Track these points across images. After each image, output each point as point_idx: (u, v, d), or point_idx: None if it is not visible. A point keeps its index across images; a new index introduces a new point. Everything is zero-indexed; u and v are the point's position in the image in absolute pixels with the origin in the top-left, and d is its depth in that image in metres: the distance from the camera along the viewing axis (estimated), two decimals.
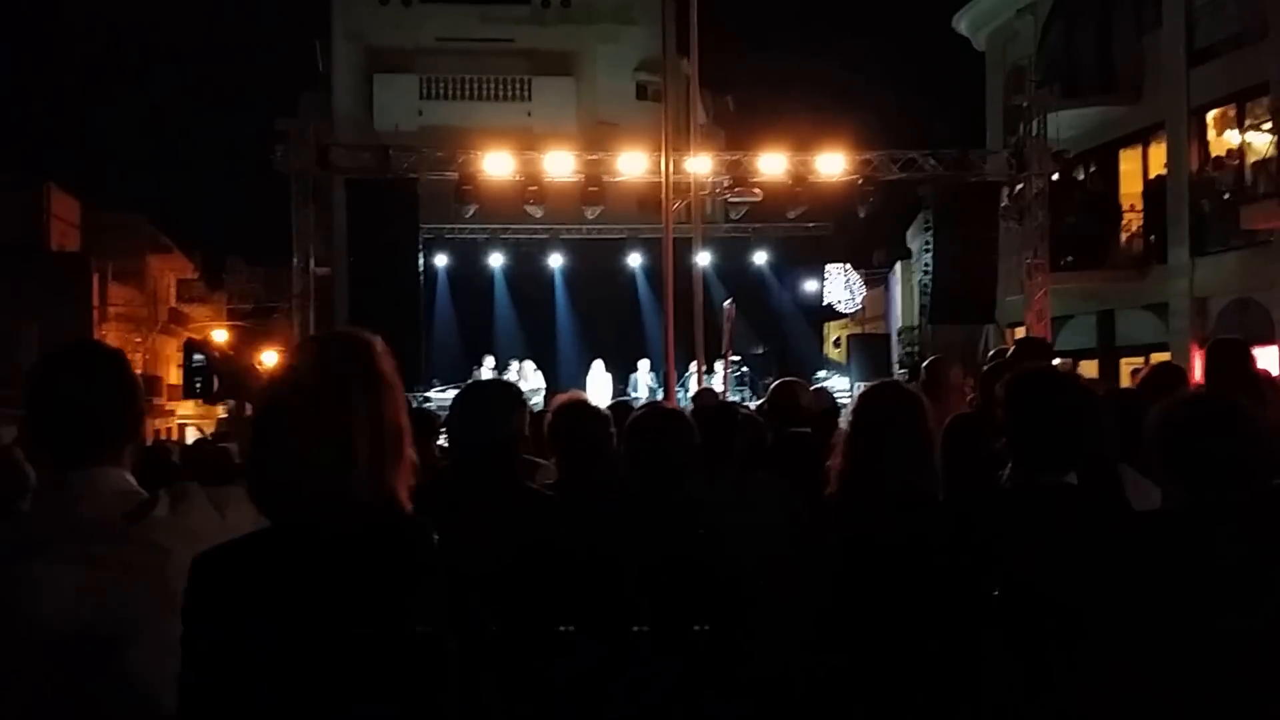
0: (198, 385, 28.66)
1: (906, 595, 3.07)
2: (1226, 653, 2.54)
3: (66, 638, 2.17)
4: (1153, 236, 19.67)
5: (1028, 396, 3.07)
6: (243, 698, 1.92)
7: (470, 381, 3.78)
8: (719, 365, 18.95)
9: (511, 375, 20.27)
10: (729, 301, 19.27)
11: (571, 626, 3.17)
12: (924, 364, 6.06)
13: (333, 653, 1.92)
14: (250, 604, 1.94)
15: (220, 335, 39.24)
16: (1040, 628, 2.79)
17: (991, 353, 5.82)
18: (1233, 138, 18.30)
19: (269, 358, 35.53)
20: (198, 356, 29.40)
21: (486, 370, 19.92)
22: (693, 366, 16.38)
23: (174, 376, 40.46)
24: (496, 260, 22.82)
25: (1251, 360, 5.05)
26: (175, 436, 33.17)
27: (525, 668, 2.85)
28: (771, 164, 17.88)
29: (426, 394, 18.33)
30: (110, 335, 34.85)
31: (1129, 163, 20.98)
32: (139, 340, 37.10)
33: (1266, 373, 5.97)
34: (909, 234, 27.70)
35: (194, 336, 35.42)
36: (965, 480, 3.76)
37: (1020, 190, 18.69)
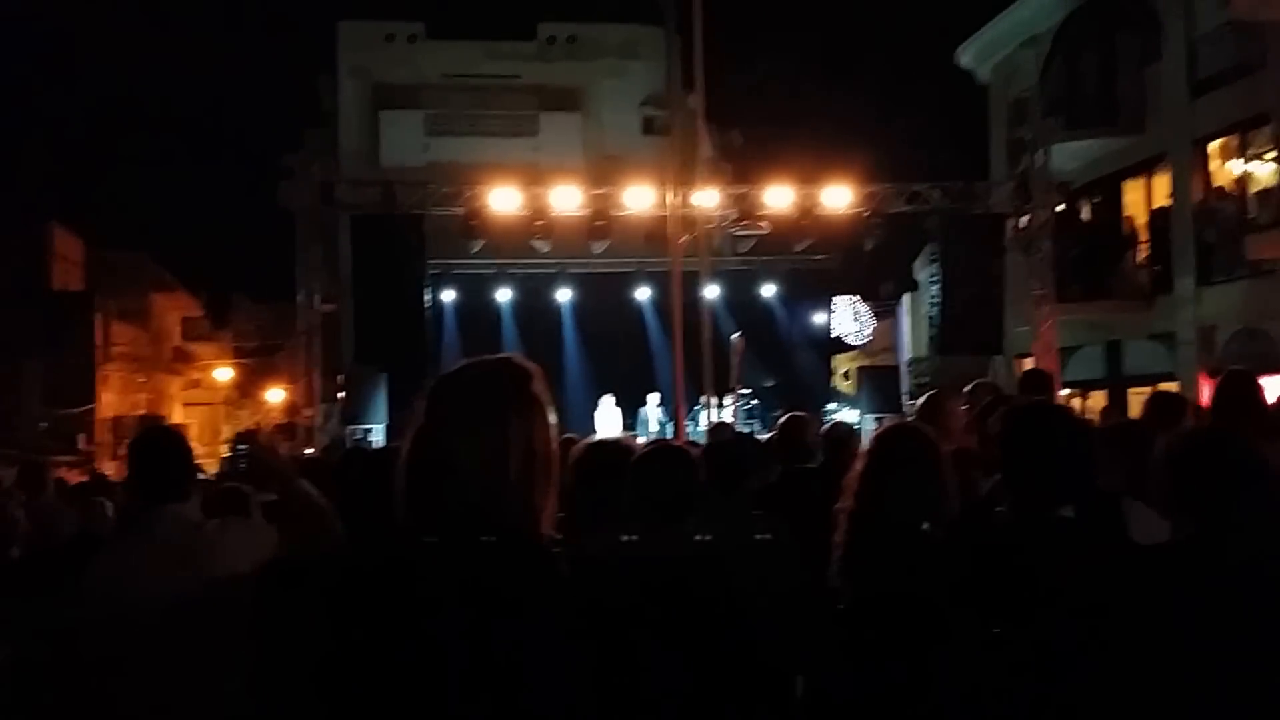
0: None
1: (916, 646, 3.06)
2: (1228, 688, 2.51)
3: (152, 612, 3.38)
4: (1158, 266, 19.69)
5: (1021, 431, 3.07)
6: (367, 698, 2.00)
7: None
8: (728, 399, 18.94)
9: None
10: (737, 335, 19.27)
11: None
12: (921, 399, 6.04)
13: (453, 670, 1.96)
14: (380, 615, 2.01)
15: (224, 373, 39.11)
16: (1039, 663, 2.76)
17: (986, 398, 5.80)
18: (1236, 168, 18.35)
19: (274, 395, 35.50)
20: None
21: None
22: (707, 400, 16.38)
23: (179, 416, 40.42)
24: (504, 295, 22.82)
25: (1260, 393, 5.01)
26: None
27: None
28: (778, 197, 17.94)
29: None
30: (114, 375, 34.85)
31: (1133, 193, 21.03)
32: (143, 380, 37.06)
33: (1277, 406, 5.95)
34: (916, 265, 27.72)
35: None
36: (965, 517, 3.73)
37: (1025, 222, 18.74)
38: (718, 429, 8.40)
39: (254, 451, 4.16)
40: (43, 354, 30.05)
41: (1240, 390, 4.96)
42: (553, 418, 2.22)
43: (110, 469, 29.68)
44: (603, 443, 3.95)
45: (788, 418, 5.59)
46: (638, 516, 3.47)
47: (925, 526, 3.42)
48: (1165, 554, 2.75)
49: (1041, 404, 3.40)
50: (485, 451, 2.03)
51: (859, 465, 3.60)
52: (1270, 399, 5.70)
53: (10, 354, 28.98)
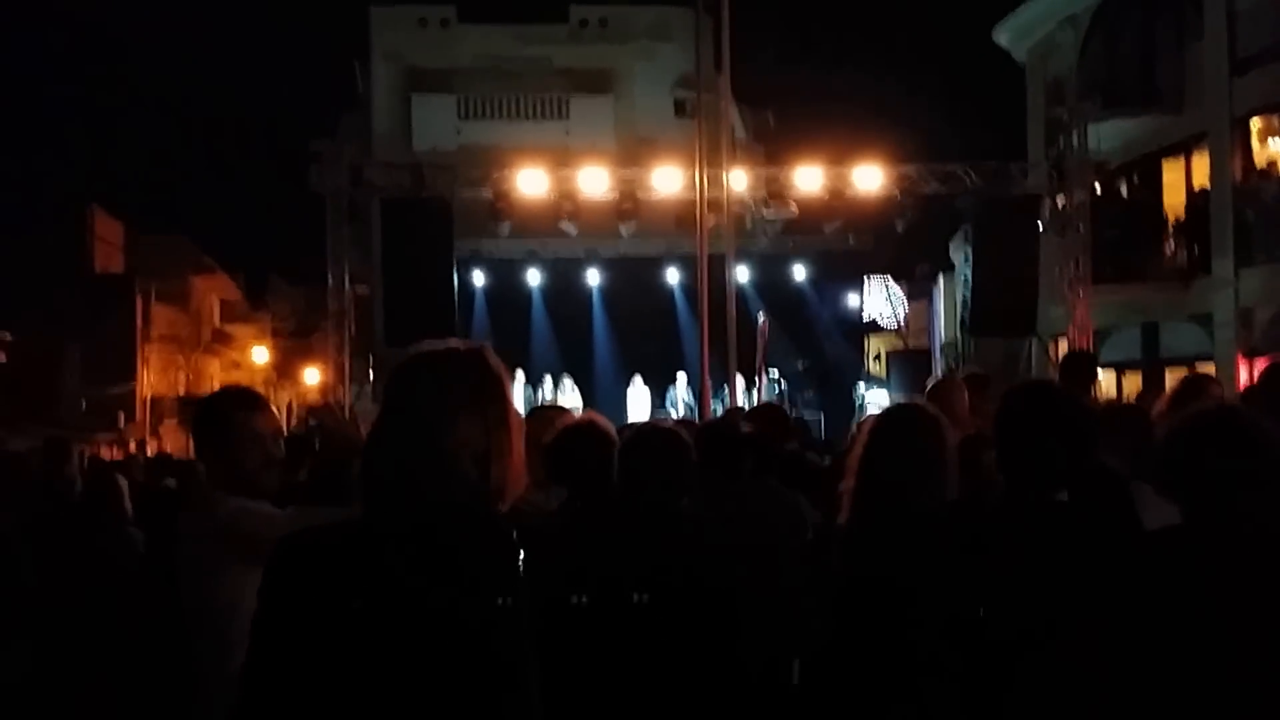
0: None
1: (912, 624, 3.03)
2: (1211, 677, 2.46)
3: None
4: (1196, 247, 19.40)
5: (1014, 414, 3.01)
6: (309, 673, 2.00)
7: None
8: (765, 380, 18.95)
9: (548, 391, 20.31)
10: (763, 318, 19.20)
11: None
12: (928, 387, 5.97)
13: (402, 638, 1.97)
14: (323, 585, 2.02)
15: (261, 354, 39.45)
16: (1024, 646, 2.73)
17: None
18: (1277, 147, 18.02)
19: (311, 375, 35.83)
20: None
21: (515, 386, 19.97)
22: (740, 381, 16.33)
23: None
24: (534, 278, 22.92)
25: None
26: None
27: None
28: (808, 179, 17.79)
29: None
30: (154, 356, 35.32)
31: (1172, 173, 20.71)
32: (182, 360, 37.53)
33: None
34: (952, 247, 27.48)
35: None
36: (966, 500, 3.73)
37: (1062, 203, 18.51)
38: (731, 414, 8.37)
39: (327, 425, 4.08)
40: (84, 335, 30.49)
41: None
42: (513, 397, 2.22)
43: (151, 446, 30.12)
44: (574, 428, 3.95)
45: (762, 405, 5.66)
46: (630, 497, 3.46)
47: (927, 505, 3.40)
48: (1155, 539, 2.70)
49: (1041, 386, 3.33)
50: (434, 443, 2.05)
51: (860, 445, 3.58)
52: None
53: (53, 335, 29.43)
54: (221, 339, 41.99)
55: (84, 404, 29.75)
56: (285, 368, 39.88)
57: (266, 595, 2.06)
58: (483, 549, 2.04)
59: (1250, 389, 4.83)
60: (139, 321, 34.34)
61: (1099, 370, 18.16)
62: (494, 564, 2.03)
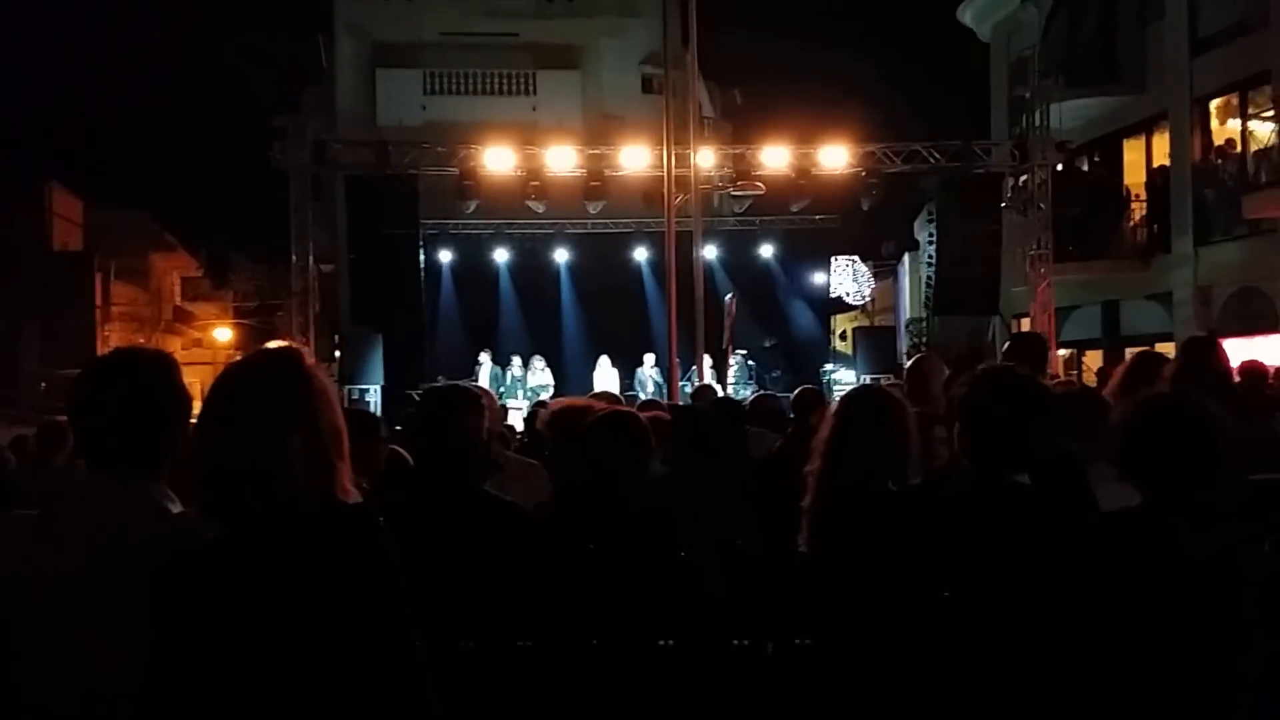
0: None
1: (879, 605, 3.09)
2: (1168, 655, 2.53)
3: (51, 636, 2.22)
4: (1156, 226, 19.63)
5: (980, 397, 3.06)
6: (204, 699, 2.06)
7: (427, 387, 3.85)
8: (732, 359, 19.01)
9: (516, 371, 20.28)
10: (730, 296, 19.25)
11: (528, 630, 3.24)
12: (908, 363, 6.05)
13: (287, 658, 2.03)
14: (207, 611, 2.07)
15: (224, 334, 39.14)
16: (984, 627, 2.78)
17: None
18: (1235, 127, 18.24)
19: None
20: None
21: (484, 366, 19.93)
22: (706, 361, 16.38)
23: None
24: (501, 255, 22.83)
25: (1220, 359, 4.94)
26: None
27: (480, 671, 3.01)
28: (774, 157, 17.82)
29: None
30: (114, 335, 34.92)
31: (1132, 153, 20.93)
32: (143, 340, 37.13)
33: (1252, 365, 5.91)
34: (916, 225, 27.62)
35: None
36: (929, 481, 3.78)
37: (1024, 181, 18.66)
38: (700, 393, 8.40)
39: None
40: (42, 314, 30.04)
41: (1199, 357, 4.90)
42: (333, 397, 2.28)
43: None
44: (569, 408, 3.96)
45: (757, 397, 5.72)
46: (591, 482, 3.48)
47: (891, 487, 3.45)
48: (1110, 522, 2.77)
49: (1004, 371, 3.39)
50: (265, 444, 2.11)
51: (826, 428, 3.62)
52: (1268, 363, 5.65)
53: (10, 314, 28.98)
54: (183, 317, 41.58)
55: (42, 385, 29.34)
56: (248, 347, 39.52)
57: (163, 623, 2.10)
58: (354, 540, 2.12)
59: (1175, 364, 4.93)
60: (98, 300, 33.91)
61: (1050, 352, 18.43)
62: (369, 553, 2.11)
